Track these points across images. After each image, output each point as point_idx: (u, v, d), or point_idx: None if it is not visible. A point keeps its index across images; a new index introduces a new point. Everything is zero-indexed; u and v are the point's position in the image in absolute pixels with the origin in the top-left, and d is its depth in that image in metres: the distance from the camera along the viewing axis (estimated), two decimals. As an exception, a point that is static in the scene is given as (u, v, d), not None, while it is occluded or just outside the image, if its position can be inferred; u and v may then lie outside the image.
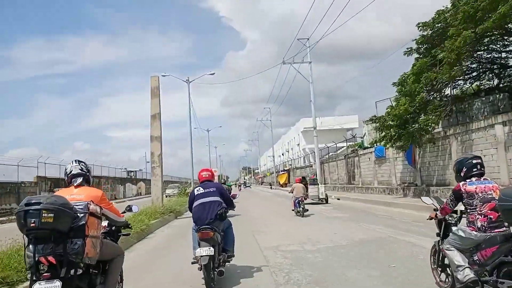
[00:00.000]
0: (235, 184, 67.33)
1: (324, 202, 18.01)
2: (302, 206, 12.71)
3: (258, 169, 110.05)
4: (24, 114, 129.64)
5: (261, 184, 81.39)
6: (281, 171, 41.92)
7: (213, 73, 37.31)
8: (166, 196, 25.84)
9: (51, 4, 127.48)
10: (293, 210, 13.35)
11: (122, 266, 3.79)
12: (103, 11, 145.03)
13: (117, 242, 3.92)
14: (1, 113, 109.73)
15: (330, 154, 39.71)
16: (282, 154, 74.81)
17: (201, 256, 4.54)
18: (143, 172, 59.08)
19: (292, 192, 13.59)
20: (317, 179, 19.89)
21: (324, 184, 25.90)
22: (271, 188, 51.82)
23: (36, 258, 2.79)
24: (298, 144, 62.66)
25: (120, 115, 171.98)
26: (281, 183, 49.20)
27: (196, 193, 5.11)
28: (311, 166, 41.55)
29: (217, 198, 5.05)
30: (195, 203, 5.03)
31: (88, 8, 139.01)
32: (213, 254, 4.57)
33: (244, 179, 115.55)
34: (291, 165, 54.40)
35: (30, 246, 2.83)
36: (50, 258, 2.81)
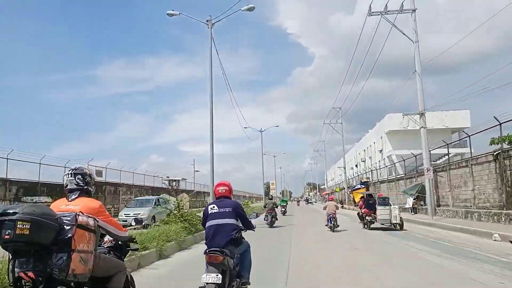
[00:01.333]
0: (292, 200, 71.03)
1: (398, 228, 15.11)
2: (333, 222, 14.96)
3: (324, 184, 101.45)
4: (107, 129, 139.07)
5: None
6: (360, 184, 28.22)
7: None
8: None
9: (132, 27, 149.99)
10: (326, 225, 15.36)
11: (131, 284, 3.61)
12: (179, 33, 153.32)
13: (125, 257, 3.71)
14: (88, 127, 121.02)
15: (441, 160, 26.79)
16: (356, 166, 58.87)
17: (206, 283, 4.04)
18: (189, 183, 54.17)
19: (325, 209, 15.77)
20: (388, 198, 16.37)
21: (438, 206, 20.77)
22: (342, 206, 39.24)
23: (16, 274, 2.64)
24: (381, 151, 47.27)
25: (192, 131, 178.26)
26: (356, 201, 34.76)
27: (209, 211, 4.52)
28: (402, 179, 30.38)
29: (233, 221, 4.46)
30: (208, 223, 4.47)
31: (165, 30, 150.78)
32: (220, 282, 4.03)
33: (309, 195, 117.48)
34: (368, 178, 39.65)
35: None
36: (30, 274, 2.63)
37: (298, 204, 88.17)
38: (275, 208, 18.97)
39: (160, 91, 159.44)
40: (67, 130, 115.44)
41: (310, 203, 71.24)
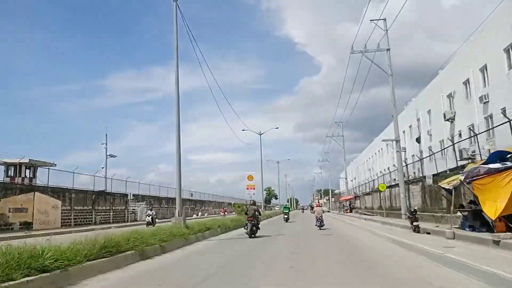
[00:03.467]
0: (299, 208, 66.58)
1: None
2: (320, 222, 20.47)
3: (341, 188, 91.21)
4: (117, 138, 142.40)
5: (349, 211, 52.88)
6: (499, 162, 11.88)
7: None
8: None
9: (141, 39, 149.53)
10: (315, 225, 20.69)
11: None
12: (185, 42, 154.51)
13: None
14: (97, 137, 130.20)
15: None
16: (417, 140, 41.03)
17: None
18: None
19: (314, 213, 23.39)
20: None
21: None
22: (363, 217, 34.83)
23: None
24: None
25: (199, 140, 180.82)
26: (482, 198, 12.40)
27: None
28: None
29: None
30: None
31: (172, 40, 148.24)
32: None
33: (318, 202, 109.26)
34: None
35: None
36: None
37: (302, 212, 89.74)
38: (258, 216, 16.43)
39: (168, 100, 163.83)
40: (77, 139, 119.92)
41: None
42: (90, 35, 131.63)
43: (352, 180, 72.08)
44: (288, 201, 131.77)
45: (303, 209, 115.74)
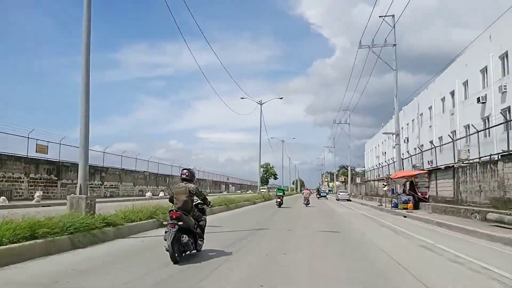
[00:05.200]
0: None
1: None
2: (307, 202, 30.45)
3: (365, 166, 73.34)
4: (127, 112, 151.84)
5: (374, 198, 38.65)
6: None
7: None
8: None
9: (154, 13, 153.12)
10: (303, 203, 30.18)
11: None
12: (199, 19, 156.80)
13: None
14: (107, 110, 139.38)
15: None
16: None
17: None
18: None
19: (303, 194, 33.41)
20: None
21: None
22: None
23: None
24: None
25: (210, 118, 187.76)
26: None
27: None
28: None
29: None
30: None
31: (186, 16, 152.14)
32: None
33: (328, 186, 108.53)
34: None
35: None
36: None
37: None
38: (195, 205, 7.43)
39: (179, 77, 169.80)
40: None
41: (324, 196, 58.28)
42: (103, 6, 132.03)
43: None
44: (293, 183, 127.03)
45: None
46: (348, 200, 45.98)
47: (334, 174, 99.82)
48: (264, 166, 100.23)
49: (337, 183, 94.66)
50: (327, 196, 62.48)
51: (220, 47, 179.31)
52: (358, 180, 58.54)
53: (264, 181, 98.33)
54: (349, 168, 67.75)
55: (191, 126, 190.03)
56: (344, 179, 79.22)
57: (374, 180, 42.07)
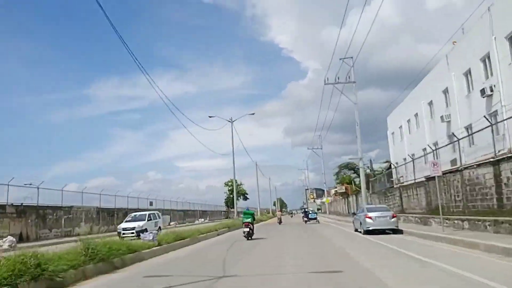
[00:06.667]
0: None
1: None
2: (279, 220, 41.86)
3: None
4: (102, 147, 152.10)
5: None
6: None
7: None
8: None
9: (125, 45, 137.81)
10: (277, 222, 40.76)
11: None
12: (171, 50, 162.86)
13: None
14: (82, 146, 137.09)
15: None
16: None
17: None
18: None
19: (276, 216, 48.20)
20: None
21: None
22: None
23: None
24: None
25: (188, 147, 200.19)
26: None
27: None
28: None
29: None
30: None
31: (158, 47, 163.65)
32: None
33: (318, 204, 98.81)
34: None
35: None
36: None
37: (291, 217, 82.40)
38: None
39: (154, 108, 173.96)
40: (62, 149, 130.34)
41: (313, 218, 39.91)
42: (73, 42, 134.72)
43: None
44: (274, 204, 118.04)
45: (291, 213, 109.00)
46: (314, 219, 39.68)
47: (324, 188, 76.04)
48: (230, 183, 79.45)
49: (328, 198, 74.74)
50: (317, 217, 41.75)
51: (195, 75, 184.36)
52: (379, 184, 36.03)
53: (231, 203, 78.60)
54: (360, 165, 32.60)
55: (169, 156, 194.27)
56: (346, 188, 53.88)
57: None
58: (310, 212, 42.57)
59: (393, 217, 18.67)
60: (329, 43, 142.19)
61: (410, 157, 27.42)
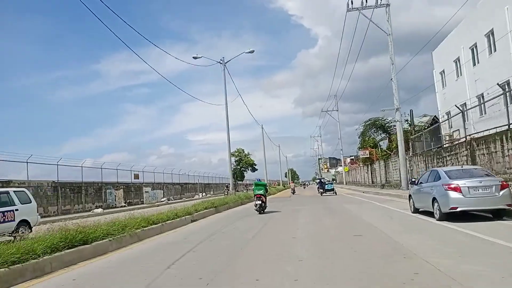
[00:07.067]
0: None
1: None
2: (293, 192, 42.03)
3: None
4: (114, 123, 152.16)
5: None
6: None
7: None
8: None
9: (133, 20, 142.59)
10: (291, 192, 42.66)
11: None
12: (180, 23, 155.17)
13: None
14: (95, 123, 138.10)
15: None
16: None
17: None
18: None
19: (290, 187, 48.26)
20: None
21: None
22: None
23: None
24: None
25: (199, 120, 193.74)
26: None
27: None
28: None
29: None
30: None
31: (166, 20, 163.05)
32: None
33: (334, 173, 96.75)
34: None
35: None
36: None
37: (304, 188, 79.44)
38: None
39: (164, 81, 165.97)
40: (74, 127, 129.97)
41: (330, 189, 33.07)
42: (80, 18, 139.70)
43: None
44: (285, 176, 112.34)
45: (304, 184, 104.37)
46: (331, 190, 32.41)
47: (341, 155, 67.95)
48: (236, 153, 70.54)
49: (347, 167, 67.39)
50: (334, 188, 34.64)
51: (202, 48, 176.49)
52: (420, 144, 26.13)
53: (238, 175, 70.36)
54: (396, 117, 24.72)
55: (181, 130, 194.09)
56: (371, 153, 42.35)
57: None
58: (327, 182, 36.20)
59: (503, 187, 9.73)
60: (340, 8, 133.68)
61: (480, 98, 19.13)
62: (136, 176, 38.84)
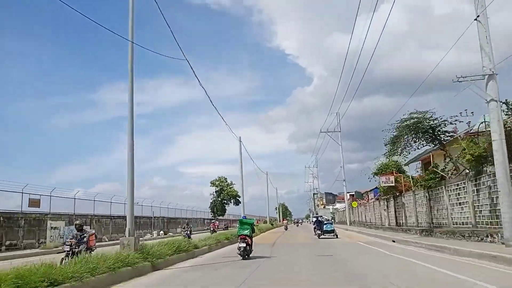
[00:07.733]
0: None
1: None
2: (285, 228, 53.23)
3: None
4: (109, 152, 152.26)
5: None
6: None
7: None
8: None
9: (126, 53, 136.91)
10: (283, 229, 51.56)
11: None
12: (178, 55, 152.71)
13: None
14: (89, 151, 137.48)
15: None
16: None
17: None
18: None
19: (283, 223, 62.15)
20: None
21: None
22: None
23: None
24: None
25: (192, 152, 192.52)
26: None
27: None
28: None
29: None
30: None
31: (163, 52, 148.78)
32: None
33: (331, 212, 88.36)
34: None
35: None
36: None
37: (297, 226, 76.35)
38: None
39: (160, 113, 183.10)
40: (68, 154, 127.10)
41: (330, 230, 26.55)
42: (79, 47, 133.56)
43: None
44: (275, 210, 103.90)
45: (297, 222, 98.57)
46: (331, 231, 26.27)
47: (344, 187, 50.45)
48: (217, 182, 64.99)
49: (355, 202, 51.12)
50: (335, 229, 27.55)
51: (200, 81, 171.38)
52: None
53: (218, 208, 64.20)
54: (491, 89, 11.94)
55: (174, 162, 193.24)
56: (397, 180, 27.87)
57: None
58: (324, 220, 29.98)
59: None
60: (334, 49, 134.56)
61: None
62: (36, 203, 26.74)
